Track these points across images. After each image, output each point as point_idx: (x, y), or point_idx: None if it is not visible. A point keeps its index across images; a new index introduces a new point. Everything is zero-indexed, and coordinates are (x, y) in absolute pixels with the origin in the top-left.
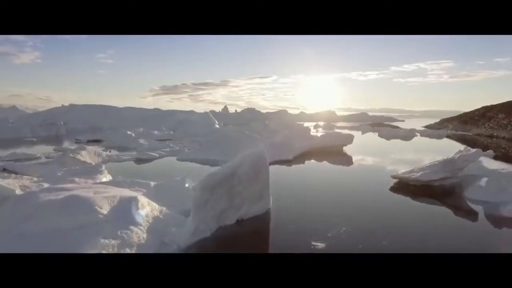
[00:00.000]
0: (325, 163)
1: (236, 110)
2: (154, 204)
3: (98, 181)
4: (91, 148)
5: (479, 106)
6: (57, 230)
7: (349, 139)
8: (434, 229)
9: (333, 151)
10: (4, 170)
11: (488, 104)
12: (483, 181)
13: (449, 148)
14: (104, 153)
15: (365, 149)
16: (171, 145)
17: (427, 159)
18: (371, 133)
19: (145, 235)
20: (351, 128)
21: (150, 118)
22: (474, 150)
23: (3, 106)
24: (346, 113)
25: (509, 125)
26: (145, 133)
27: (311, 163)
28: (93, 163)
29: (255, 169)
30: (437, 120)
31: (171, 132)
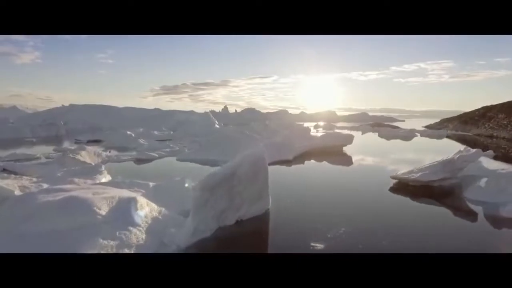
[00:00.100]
0: (324, 163)
1: (236, 110)
2: (153, 204)
3: (98, 181)
4: (90, 148)
5: (479, 106)
6: (55, 231)
7: (349, 139)
8: (433, 230)
9: (333, 151)
10: (4, 170)
11: (489, 104)
12: (483, 182)
13: (449, 148)
14: (104, 153)
15: (365, 149)
16: (171, 145)
17: (427, 159)
18: (371, 133)
19: (144, 236)
20: (351, 128)
21: (150, 118)
22: (473, 150)
23: (3, 106)
24: (346, 113)
25: (509, 125)
26: (145, 133)
27: (311, 163)
28: (93, 164)
29: (254, 170)
30: (437, 120)
31: (171, 132)
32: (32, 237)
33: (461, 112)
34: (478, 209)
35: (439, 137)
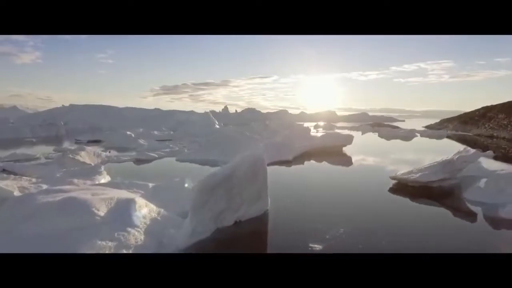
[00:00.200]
0: (324, 163)
1: (236, 110)
2: (152, 205)
3: (97, 182)
4: (90, 148)
5: (479, 106)
6: (54, 232)
7: (348, 139)
8: (432, 230)
9: (333, 152)
10: (4, 170)
11: (489, 104)
12: (482, 182)
13: (449, 148)
14: (104, 153)
15: (365, 150)
16: (170, 145)
17: (427, 160)
18: (371, 133)
19: (142, 237)
20: (351, 128)
21: (150, 118)
22: (473, 151)
23: (3, 106)
24: (346, 113)
25: (509, 126)
26: (145, 133)
27: (311, 163)
28: (93, 164)
29: (253, 171)
30: (438, 120)
31: (171, 133)
32: (31, 238)
33: (461, 112)
34: (477, 209)
35: (439, 137)
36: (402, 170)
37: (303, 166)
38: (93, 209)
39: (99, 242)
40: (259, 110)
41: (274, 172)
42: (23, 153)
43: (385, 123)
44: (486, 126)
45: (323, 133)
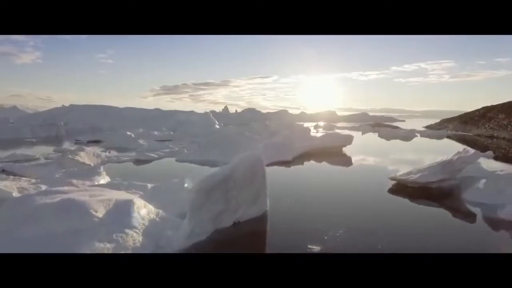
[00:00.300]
0: (324, 164)
1: (236, 110)
2: (151, 206)
3: (96, 183)
4: (90, 149)
5: (479, 106)
6: (52, 234)
7: (348, 139)
8: (431, 230)
9: (333, 152)
10: (3, 171)
11: (489, 104)
12: (481, 183)
13: (449, 148)
14: (103, 154)
15: (365, 150)
16: (170, 145)
17: (427, 160)
18: (371, 133)
19: (140, 238)
20: (351, 128)
21: (150, 118)
22: (472, 151)
23: (3, 106)
24: (346, 113)
25: (509, 126)
26: (145, 133)
27: (310, 163)
28: (92, 164)
29: (252, 171)
30: (438, 120)
31: (171, 133)
32: (29, 239)
33: (462, 112)
34: (476, 210)
35: (439, 137)
36: (401, 171)
37: (303, 167)
38: (91, 210)
39: (97, 244)
40: (259, 110)
41: (273, 172)
42: (23, 154)
43: (385, 123)
44: (486, 126)
45: (323, 133)
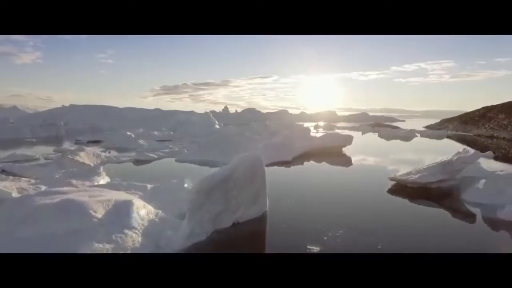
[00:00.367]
0: (324, 164)
1: (236, 110)
2: (150, 207)
3: (96, 183)
4: (90, 149)
5: (479, 106)
6: (52, 234)
7: (348, 140)
8: (431, 230)
9: (333, 152)
10: (3, 171)
11: (489, 104)
12: (481, 183)
13: (449, 148)
14: (103, 154)
15: (365, 150)
16: (170, 146)
17: (427, 160)
18: (371, 133)
19: (140, 239)
20: (351, 128)
21: (150, 118)
22: (472, 151)
23: (3, 106)
24: (347, 113)
25: (509, 126)
26: (145, 133)
27: (310, 164)
28: (92, 165)
29: (251, 172)
30: (438, 120)
31: (171, 133)
32: (28, 240)
33: (462, 112)
34: (476, 211)
35: (439, 137)
36: (401, 171)
37: (303, 167)
38: (91, 211)
39: (97, 245)
40: (259, 110)
41: (273, 172)
42: (23, 154)
43: (385, 123)
44: (486, 126)
45: (323, 134)
